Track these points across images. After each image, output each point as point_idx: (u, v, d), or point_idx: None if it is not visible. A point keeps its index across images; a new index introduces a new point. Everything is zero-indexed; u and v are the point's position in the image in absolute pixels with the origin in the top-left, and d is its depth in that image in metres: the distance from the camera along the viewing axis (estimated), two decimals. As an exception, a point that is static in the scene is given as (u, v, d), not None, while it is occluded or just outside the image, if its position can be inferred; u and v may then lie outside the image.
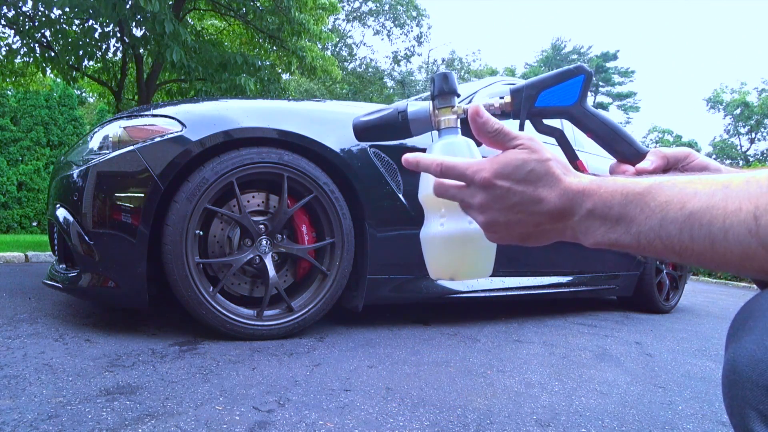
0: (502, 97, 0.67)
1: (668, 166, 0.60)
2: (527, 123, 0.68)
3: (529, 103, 0.66)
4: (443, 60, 23.51)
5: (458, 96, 0.65)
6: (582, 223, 0.40)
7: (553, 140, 0.71)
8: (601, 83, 28.96)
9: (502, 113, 0.67)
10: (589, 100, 0.68)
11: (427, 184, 0.59)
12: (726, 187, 0.32)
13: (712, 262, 0.33)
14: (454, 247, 0.55)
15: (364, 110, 2.40)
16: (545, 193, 0.42)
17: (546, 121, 0.68)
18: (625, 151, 0.64)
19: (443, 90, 0.63)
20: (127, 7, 5.08)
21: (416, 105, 0.66)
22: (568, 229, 0.42)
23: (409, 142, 1.98)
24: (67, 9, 5.52)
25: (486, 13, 79.11)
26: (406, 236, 1.95)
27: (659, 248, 0.35)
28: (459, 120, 0.63)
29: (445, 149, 0.58)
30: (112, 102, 8.14)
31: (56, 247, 1.93)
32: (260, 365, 1.42)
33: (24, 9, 5.87)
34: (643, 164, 0.60)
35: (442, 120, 0.63)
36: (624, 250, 0.39)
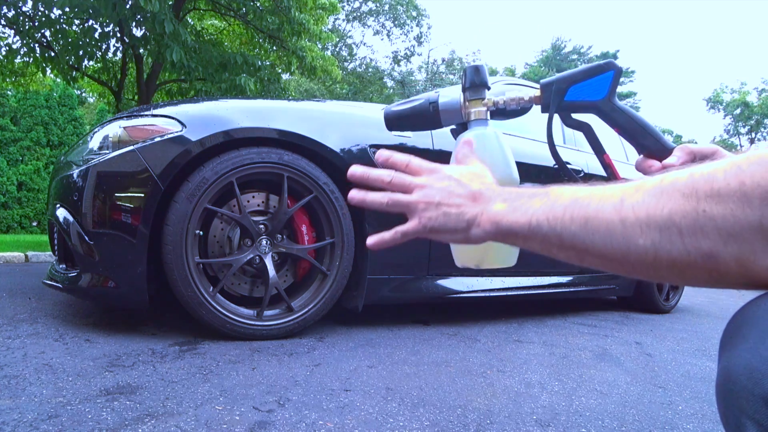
0: (533, 89, 0.69)
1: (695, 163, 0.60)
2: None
3: (559, 97, 0.66)
4: (443, 60, 23.48)
5: (488, 89, 0.65)
6: (491, 205, 0.46)
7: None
8: (601, 83, 28.92)
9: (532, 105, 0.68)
10: None
11: None
12: (608, 186, 0.39)
13: (582, 244, 0.38)
14: None
15: (365, 110, 2.40)
16: (473, 184, 0.49)
17: (574, 116, 0.68)
18: (651, 146, 0.64)
19: (474, 82, 0.64)
20: (127, 7, 5.08)
21: (447, 96, 0.67)
22: (479, 213, 0.46)
23: (408, 142, 1.98)
24: (67, 9, 5.51)
25: (486, 13, 79.14)
26: (406, 236, 1.95)
27: (545, 229, 0.41)
28: (488, 112, 0.64)
29: (475, 140, 0.59)
30: (112, 102, 8.14)
31: (56, 247, 1.93)
32: (260, 365, 1.42)
33: (24, 9, 5.86)
34: (670, 160, 0.61)
35: (472, 111, 0.64)
36: (514, 236, 0.44)
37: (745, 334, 0.30)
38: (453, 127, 0.72)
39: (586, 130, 0.71)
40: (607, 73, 0.64)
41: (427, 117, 0.69)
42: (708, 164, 0.32)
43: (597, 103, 0.65)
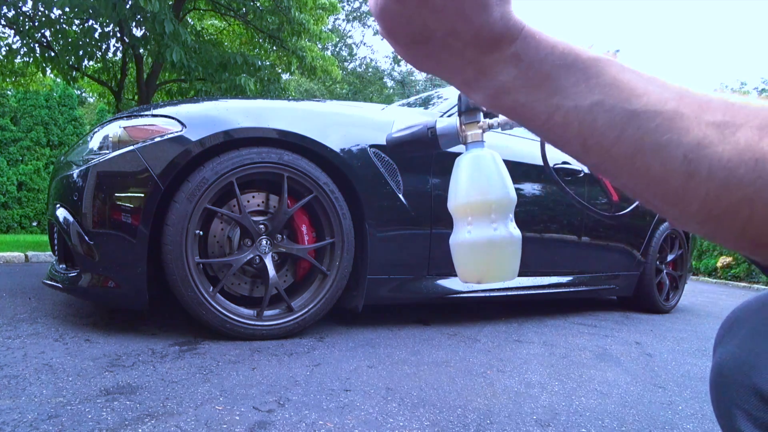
0: None
1: None
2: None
3: None
4: (443, 60, 23.43)
5: (483, 112, 0.69)
6: (498, 63, 0.30)
7: None
8: (601, 83, 28.97)
9: None
10: None
11: (455, 194, 0.63)
12: (681, 99, 0.27)
13: (615, 170, 0.29)
14: (481, 253, 0.58)
15: (365, 110, 2.41)
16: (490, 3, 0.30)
17: None
18: None
19: (469, 106, 0.69)
20: (127, 7, 5.08)
21: (444, 121, 0.72)
22: (476, 63, 0.31)
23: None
24: (67, 9, 5.51)
25: (486, 13, 79.02)
26: (406, 236, 1.95)
27: (571, 132, 0.29)
28: (484, 134, 0.67)
29: (472, 162, 0.62)
30: (112, 102, 8.14)
31: (56, 247, 1.93)
32: (260, 365, 1.42)
33: (24, 9, 5.87)
34: None
35: (468, 134, 0.69)
36: (520, 118, 0.31)
37: (736, 332, 0.31)
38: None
39: None
40: None
41: (426, 142, 0.75)
42: None
43: None
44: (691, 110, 0.27)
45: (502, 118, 0.70)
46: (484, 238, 0.59)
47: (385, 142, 0.80)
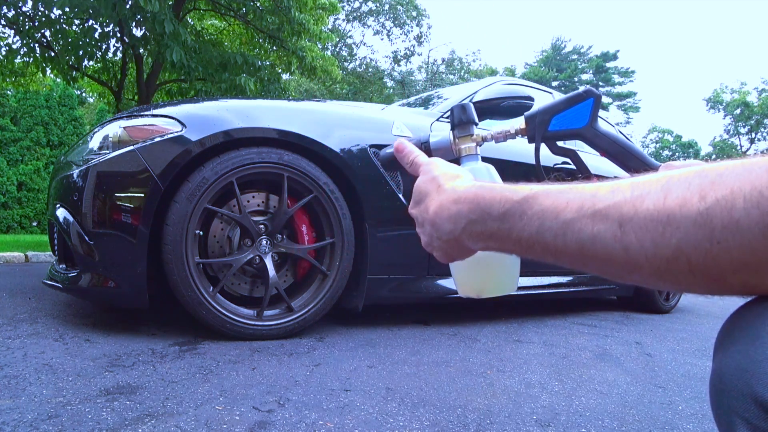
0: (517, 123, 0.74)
1: None
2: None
3: (543, 128, 0.69)
4: (443, 60, 23.50)
5: (476, 125, 0.69)
6: (465, 230, 0.43)
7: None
8: (601, 83, 28.96)
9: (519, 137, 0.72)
10: None
11: None
12: (594, 196, 0.34)
13: (581, 264, 0.36)
14: (479, 267, 0.58)
15: (365, 110, 2.40)
16: (430, 206, 0.47)
17: (560, 143, 0.71)
18: (636, 166, 0.68)
19: (462, 120, 0.69)
20: (127, 7, 5.08)
21: (438, 135, 0.72)
22: (458, 238, 0.44)
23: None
24: (67, 9, 5.52)
25: (486, 13, 79.17)
26: (406, 236, 1.95)
27: (539, 251, 0.38)
28: (478, 147, 0.67)
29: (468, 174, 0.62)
30: (112, 102, 8.14)
31: (56, 247, 1.93)
32: (260, 365, 1.42)
33: (24, 9, 5.87)
34: None
35: (462, 148, 0.69)
36: (510, 253, 0.41)
37: (737, 337, 0.31)
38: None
39: (573, 156, 0.75)
40: (587, 101, 0.68)
41: None
42: (720, 183, 0.28)
43: (580, 130, 0.69)
44: (604, 201, 0.33)
45: (494, 130, 0.71)
46: (482, 252, 0.59)
47: (379, 158, 0.79)
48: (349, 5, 20.15)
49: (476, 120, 0.69)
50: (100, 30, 6.14)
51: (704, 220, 0.28)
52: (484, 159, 0.67)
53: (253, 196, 1.82)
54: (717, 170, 0.29)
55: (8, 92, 8.92)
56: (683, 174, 0.31)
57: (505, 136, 0.70)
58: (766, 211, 0.26)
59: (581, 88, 0.68)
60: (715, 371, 0.33)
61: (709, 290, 0.31)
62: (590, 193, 0.35)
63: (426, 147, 0.71)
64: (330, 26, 16.83)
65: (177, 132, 1.62)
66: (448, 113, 2.23)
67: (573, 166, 0.79)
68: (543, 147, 0.73)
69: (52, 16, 5.84)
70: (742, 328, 0.31)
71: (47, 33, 6.07)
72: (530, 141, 0.71)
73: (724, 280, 0.29)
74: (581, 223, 0.34)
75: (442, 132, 0.71)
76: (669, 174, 0.32)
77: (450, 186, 0.46)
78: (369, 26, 20.97)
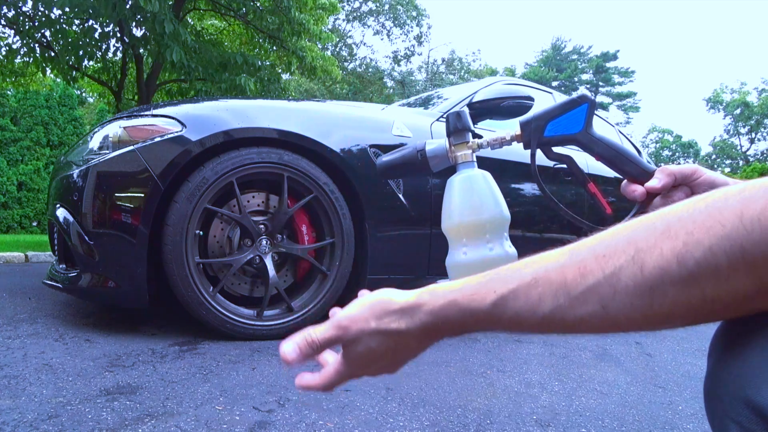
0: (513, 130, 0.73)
1: (676, 183, 0.62)
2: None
3: (538, 134, 0.69)
4: (443, 60, 23.51)
5: (472, 132, 0.69)
6: (438, 336, 0.43)
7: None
8: (601, 83, 28.97)
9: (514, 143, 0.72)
10: None
11: (448, 215, 0.63)
12: (564, 285, 0.32)
13: (573, 334, 0.35)
14: (479, 271, 0.58)
15: (365, 110, 2.40)
16: (371, 342, 0.43)
17: (555, 149, 0.71)
18: (632, 171, 0.67)
19: (457, 128, 0.69)
20: (127, 7, 5.08)
21: (434, 143, 0.72)
22: (414, 341, 0.43)
23: (409, 143, 1.98)
24: (67, 9, 5.52)
25: (486, 13, 79.16)
26: (406, 236, 1.95)
27: (526, 332, 0.37)
28: (474, 154, 0.67)
29: (463, 182, 0.63)
30: (112, 102, 8.14)
31: (56, 247, 1.93)
32: (260, 365, 1.42)
33: (24, 9, 5.87)
34: (652, 183, 0.63)
35: (458, 155, 0.69)
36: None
37: (730, 341, 0.32)
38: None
39: (568, 162, 0.75)
40: (581, 106, 0.68)
41: (417, 164, 0.74)
42: (690, 239, 0.27)
43: (575, 135, 0.68)
44: (578, 288, 0.32)
45: (490, 137, 0.71)
46: (479, 258, 0.59)
47: (376, 166, 0.79)
48: (349, 5, 20.15)
49: (472, 127, 0.69)
50: (100, 30, 6.14)
51: (692, 280, 0.28)
52: (485, 158, 0.67)
53: (253, 196, 1.82)
54: (665, 217, 0.29)
55: (8, 92, 8.92)
56: (634, 235, 0.30)
57: (501, 143, 0.70)
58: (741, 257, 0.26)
59: (575, 94, 0.68)
60: (709, 374, 0.33)
61: (725, 317, 0.31)
62: (559, 282, 0.33)
63: (422, 155, 0.71)
64: (330, 26, 16.83)
65: (177, 132, 1.62)
66: (452, 108, 2.23)
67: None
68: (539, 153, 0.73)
69: (52, 16, 5.84)
70: (735, 333, 0.31)
71: (47, 33, 6.07)
72: (526, 147, 0.71)
73: (738, 306, 0.29)
74: (561, 312, 0.33)
75: (437, 140, 0.71)
76: (620, 235, 0.31)
77: (397, 325, 0.42)
78: (369, 26, 20.98)
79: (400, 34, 21.05)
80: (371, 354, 0.44)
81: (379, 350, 0.43)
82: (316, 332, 0.45)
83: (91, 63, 6.83)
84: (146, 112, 1.71)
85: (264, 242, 1.74)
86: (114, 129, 1.66)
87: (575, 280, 0.32)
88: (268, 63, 7.42)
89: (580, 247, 0.33)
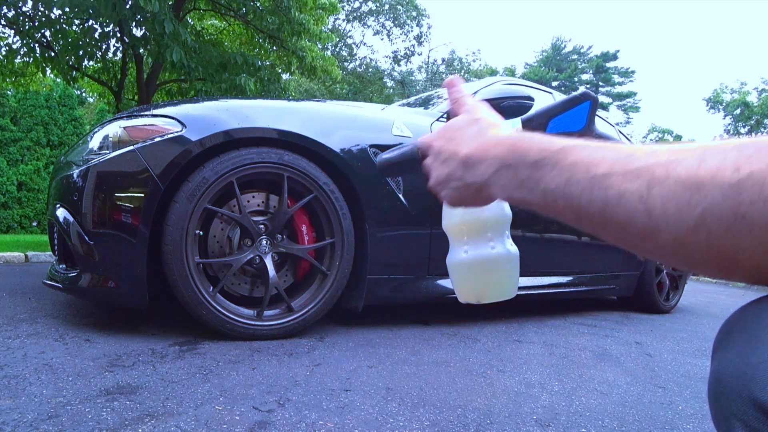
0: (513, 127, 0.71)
1: None
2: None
3: (540, 131, 0.70)
4: (443, 60, 23.51)
5: None
6: (496, 174, 0.43)
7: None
8: (601, 83, 28.96)
9: None
10: None
11: (449, 214, 0.62)
12: (630, 156, 0.34)
13: (598, 226, 0.35)
14: (478, 272, 0.58)
15: (365, 110, 2.40)
16: (465, 145, 0.46)
17: None
18: None
19: None
20: (127, 7, 5.08)
21: None
22: (486, 183, 0.44)
23: (409, 142, 1.98)
24: (67, 9, 5.51)
25: (486, 13, 79.15)
26: (406, 236, 1.95)
27: (561, 207, 0.37)
28: None
29: None
30: (112, 102, 8.14)
31: (56, 247, 1.93)
32: (260, 365, 1.42)
33: (24, 9, 5.87)
34: None
35: None
36: (530, 207, 0.41)
37: (735, 339, 0.31)
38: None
39: None
40: (584, 104, 0.68)
41: (417, 161, 0.74)
42: (758, 158, 0.27)
43: (577, 133, 0.68)
44: (639, 162, 0.33)
45: None
46: (481, 257, 0.58)
47: (376, 163, 0.79)
48: (349, 5, 20.14)
49: None
50: (100, 30, 6.13)
51: (734, 192, 0.28)
52: None
53: (253, 196, 1.82)
54: (756, 145, 0.29)
55: (8, 92, 8.92)
56: (721, 145, 0.30)
57: None
58: None
59: (577, 91, 0.69)
60: (713, 373, 0.33)
61: (719, 270, 0.31)
62: (626, 153, 0.34)
63: (422, 152, 0.72)
64: (330, 26, 16.83)
65: (177, 132, 1.62)
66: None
67: None
68: None
69: (52, 16, 5.84)
70: (740, 330, 0.31)
71: (47, 33, 6.07)
72: None
73: (737, 262, 0.29)
74: (611, 180, 0.33)
75: None
76: (708, 144, 0.31)
77: (492, 132, 0.46)
78: (369, 26, 20.97)
79: (400, 34, 21.05)
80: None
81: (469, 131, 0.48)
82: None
83: (91, 63, 6.83)
84: (146, 112, 1.71)
85: (264, 242, 1.74)
86: (114, 129, 1.66)
87: (641, 156, 0.33)
88: (268, 63, 7.42)
89: (659, 144, 0.35)
